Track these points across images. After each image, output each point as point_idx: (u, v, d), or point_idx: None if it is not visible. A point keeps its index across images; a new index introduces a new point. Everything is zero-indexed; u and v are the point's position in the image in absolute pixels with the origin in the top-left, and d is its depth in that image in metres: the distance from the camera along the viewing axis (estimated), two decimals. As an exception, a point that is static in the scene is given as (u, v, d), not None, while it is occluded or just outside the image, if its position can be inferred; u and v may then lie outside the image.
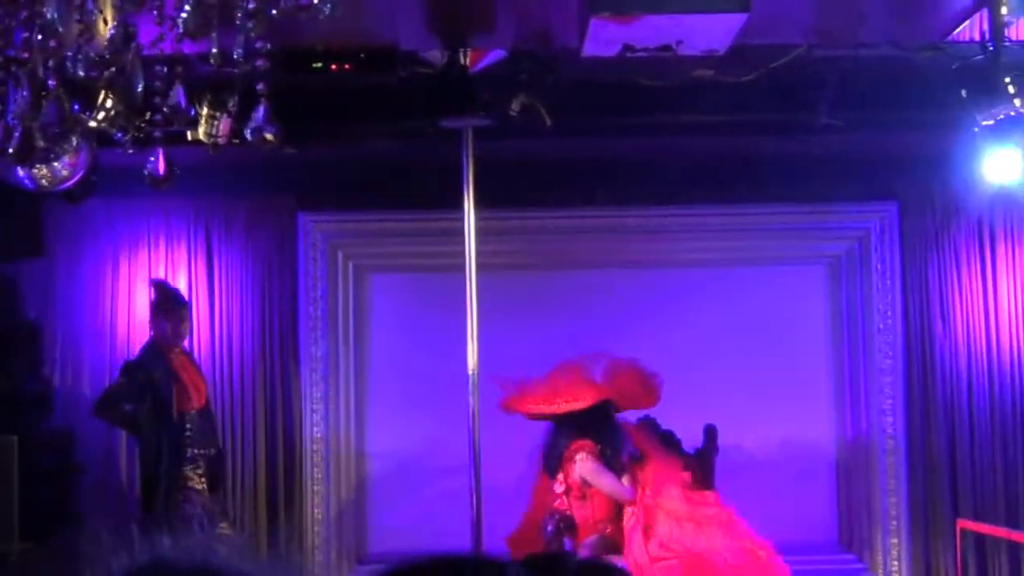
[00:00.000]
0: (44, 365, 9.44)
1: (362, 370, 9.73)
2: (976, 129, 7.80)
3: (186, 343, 8.97)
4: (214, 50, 3.73)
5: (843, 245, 9.79)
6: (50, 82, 3.81)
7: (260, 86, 3.80)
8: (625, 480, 7.91)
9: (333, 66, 7.46)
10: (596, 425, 8.03)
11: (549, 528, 8.24)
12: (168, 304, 8.70)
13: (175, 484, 8.36)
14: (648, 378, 8.26)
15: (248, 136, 3.88)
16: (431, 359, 9.41)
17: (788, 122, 8.48)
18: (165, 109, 4.01)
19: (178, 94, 3.98)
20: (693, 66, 7.55)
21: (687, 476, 8.03)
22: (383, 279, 9.89)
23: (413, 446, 9.56)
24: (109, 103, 4.62)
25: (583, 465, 7.91)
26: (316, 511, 9.50)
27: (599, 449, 7.98)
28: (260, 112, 3.81)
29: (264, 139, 3.80)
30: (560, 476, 8.01)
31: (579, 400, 8.00)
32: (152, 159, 5.53)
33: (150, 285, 9.02)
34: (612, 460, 7.99)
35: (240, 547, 1.48)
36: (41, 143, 3.98)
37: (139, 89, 3.82)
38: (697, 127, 8.62)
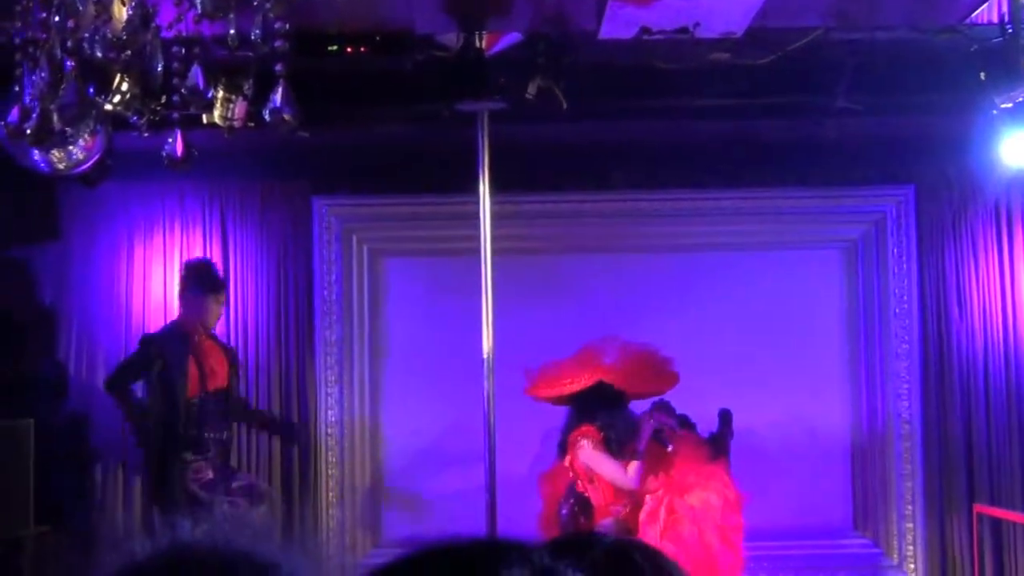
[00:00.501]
0: (59, 349, 9.45)
1: (377, 354, 9.72)
2: (994, 112, 7.78)
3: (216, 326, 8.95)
4: (231, 31, 3.72)
5: (859, 229, 9.75)
6: (68, 63, 3.78)
7: (279, 67, 3.78)
8: (632, 468, 7.86)
9: (348, 49, 7.44)
10: (601, 409, 8.01)
11: (564, 511, 8.24)
12: (195, 285, 8.69)
13: (179, 466, 8.33)
14: (661, 363, 8.22)
15: (266, 118, 3.85)
16: (446, 343, 9.40)
17: (805, 105, 8.44)
18: (183, 91, 3.98)
19: (196, 75, 3.96)
20: (710, 49, 7.52)
21: (722, 481, 8.01)
22: (398, 263, 9.87)
23: (428, 430, 9.54)
24: (125, 86, 4.60)
25: (583, 451, 7.89)
26: (331, 494, 9.50)
27: (602, 435, 7.96)
28: (279, 93, 3.78)
29: (283, 120, 3.78)
30: (567, 460, 8.01)
31: (577, 382, 7.98)
32: (170, 141, 5.50)
33: (182, 265, 9.03)
34: (617, 446, 7.96)
35: (260, 528, 1.47)
36: (58, 125, 3.96)
37: (158, 71, 3.79)
38: (714, 110, 8.59)
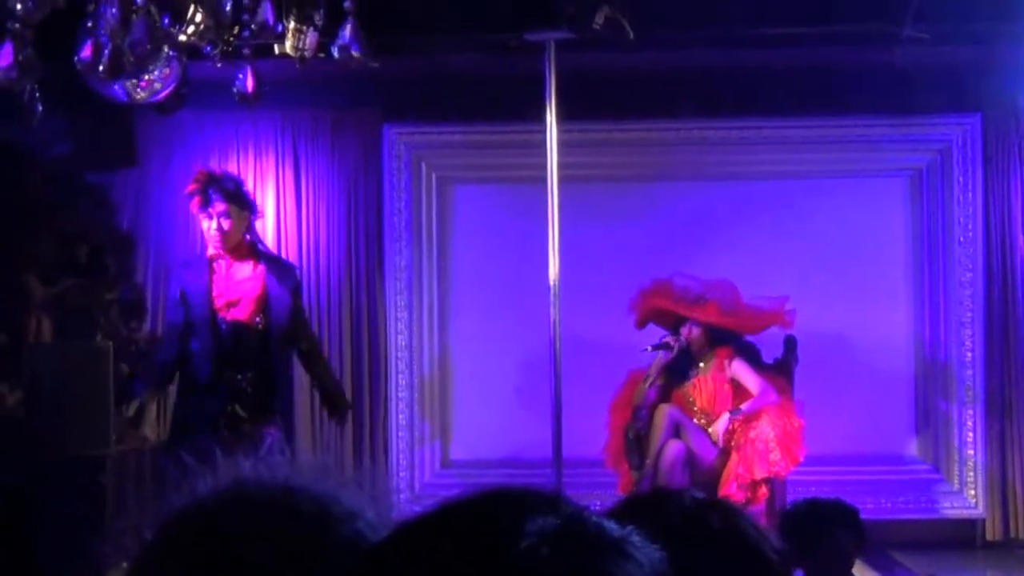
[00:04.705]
0: (137, 273, 9.67)
1: (445, 279, 9.87)
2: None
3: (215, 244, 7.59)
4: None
5: (925, 157, 9.74)
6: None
7: (347, 3, 3.89)
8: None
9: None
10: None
11: (631, 434, 8.44)
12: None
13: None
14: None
15: (335, 54, 3.97)
16: (513, 269, 9.52)
17: (872, 33, 8.45)
18: (252, 26, 4.10)
19: (266, 10, 4.08)
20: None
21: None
22: (466, 190, 10.01)
23: (495, 354, 9.68)
24: (199, 17, 4.74)
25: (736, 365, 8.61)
26: (400, 417, 9.69)
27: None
28: (347, 30, 3.90)
29: (351, 56, 3.89)
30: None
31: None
32: (240, 76, 5.60)
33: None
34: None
35: (320, 466, 1.45)
36: (131, 60, 4.08)
37: (227, 7, 3.91)
38: (781, 39, 8.62)
